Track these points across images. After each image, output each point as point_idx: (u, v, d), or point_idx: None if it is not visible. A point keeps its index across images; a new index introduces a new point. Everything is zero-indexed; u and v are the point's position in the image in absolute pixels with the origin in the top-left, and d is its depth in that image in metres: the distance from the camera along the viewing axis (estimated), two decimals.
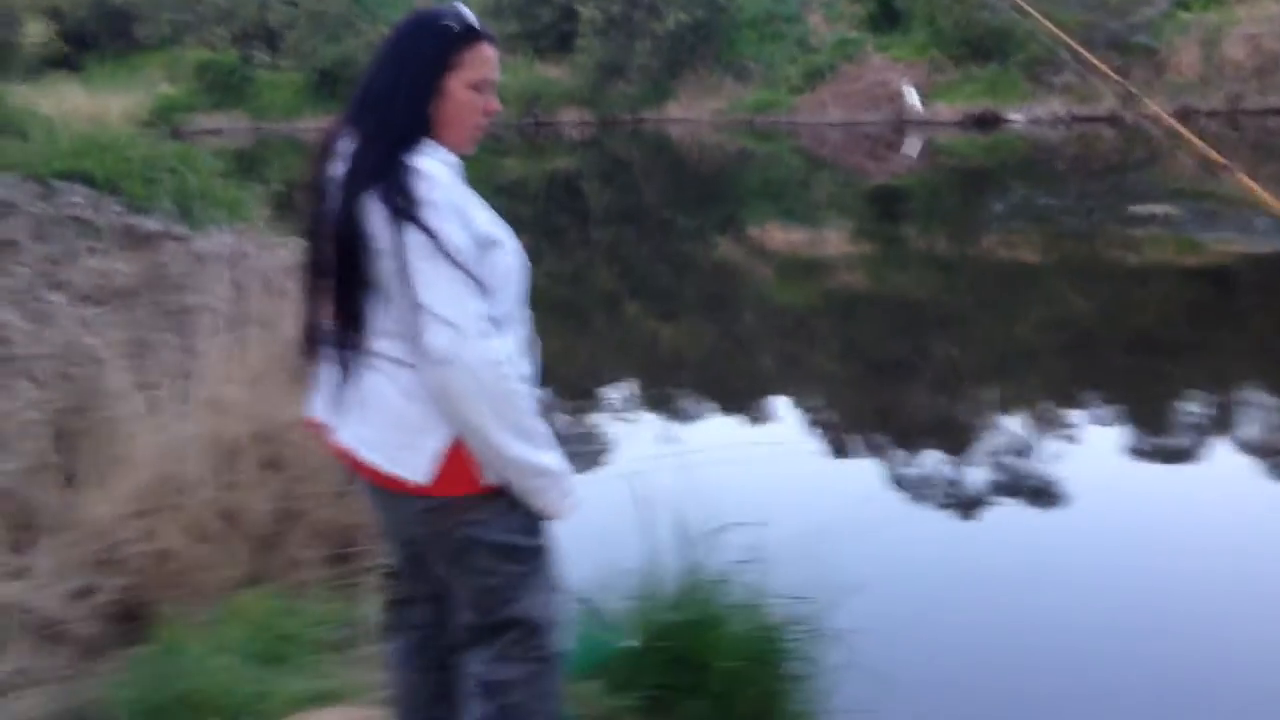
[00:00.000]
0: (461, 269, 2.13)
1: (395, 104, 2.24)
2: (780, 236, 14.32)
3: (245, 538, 3.85)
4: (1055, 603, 4.35)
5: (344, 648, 3.38)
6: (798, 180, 19.82)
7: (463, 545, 2.29)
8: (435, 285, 2.12)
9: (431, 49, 2.25)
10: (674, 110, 28.03)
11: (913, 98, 24.39)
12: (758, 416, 7.26)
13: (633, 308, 11.01)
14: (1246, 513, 5.26)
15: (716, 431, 6.88)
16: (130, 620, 3.46)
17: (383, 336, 2.24)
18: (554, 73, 30.17)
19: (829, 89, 26.00)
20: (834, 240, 13.82)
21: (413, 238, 2.12)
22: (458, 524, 2.27)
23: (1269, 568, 4.61)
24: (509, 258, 2.29)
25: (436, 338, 2.11)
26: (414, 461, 2.22)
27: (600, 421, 7.03)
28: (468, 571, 2.33)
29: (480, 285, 2.15)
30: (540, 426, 2.23)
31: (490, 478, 2.24)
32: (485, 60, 2.30)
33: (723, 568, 3.22)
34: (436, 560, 2.38)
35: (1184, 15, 23.17)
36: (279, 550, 3.89)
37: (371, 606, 3.45)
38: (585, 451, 6.36)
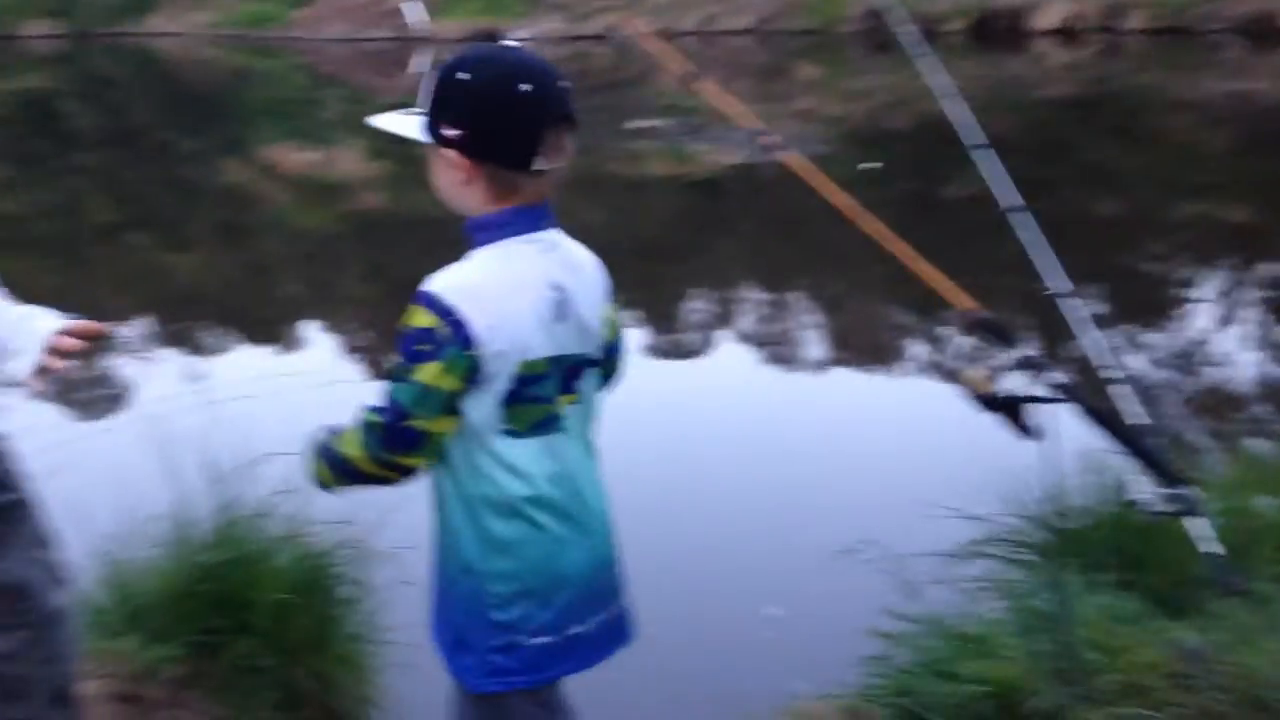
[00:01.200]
0: None
1: None
2: (293, 158, 13.82)
3: None
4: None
5: None
6: (305, 98, 19.13)
7: None
8: None
9: None
10: (157, 23, 25.93)
11: (416, 14, 24.24)
12: (286, 346, 7.04)
13: (137, 239, 10.19)
14: (746, 394, 5.91)
15: (244, 365, 6.60)
16: None
17: None
18: None
19: (326, 3, 25.20)
20: (349, 160, 13.55)
21: None
22: None
23: (756, 440, 5.18)
24: None
25: None
26: None
27: (113, 363, 6.49)
28: None
29: None
30: None
31: None
32: None
33: (260, 502, 3.13)
34: None
35: None
36: None
37: None
38: (99, 397, 5.88)
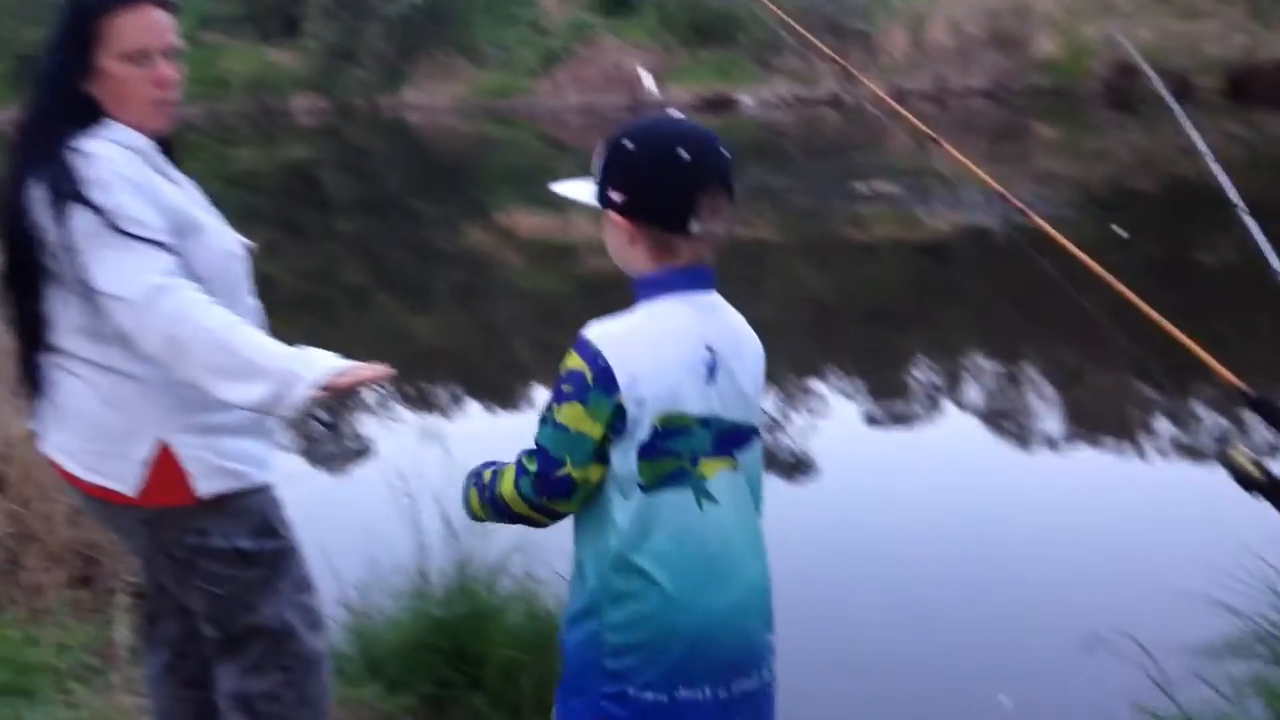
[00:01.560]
0: (133, 236, 1.97)
1: (45, 88, 2.10)
2: (528, 222, 14.34)
3: None
4: (816, 569, 4.56)
5: (94, 675, 3.18)
6: (542, 165, 19.88)
7: (186, 557, 2.17)
8: (104, 262, 1.97)
9: (68, 25, 2.08)
10: (411, 96, 27.54)
11: (648, 81, 24.90)
12: (519, 404, 7.27)
13: (383, 299, 10.78)
14: (977, 468, 5.69)
15: (478, 422, 6.84)
16: None
17: (73, 334, 2.09)
18: (282, 58, 29.05)
19: (565, 72, 26.19)
20: (581, 224, 13.95)
21: (78, 218, 1.98)
22: (177, 535, 2.15)
23: (998, 520, 4.98)
24: (217, 244, 2.16)
25: (118, 318, 1.98)
26: (120, 471, 2.10)
27: (358, 419, 6.86)
28: (196, 584, 2.21)
29: (164, 249, 2.00)
30: (246, 347, 1.99)
31: (210, 487, 2.12)
32: (138, 27, 2.07)
33: (494, 558, 3.22)
34: (163, 574, 2.26)
35: (892, 1, 24.62)
36: (15, 577, 3.61)
37: (121, 628, 3.27)
38: (344, 451, 6.21)
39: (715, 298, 1.87)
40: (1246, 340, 6.73)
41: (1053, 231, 3.03)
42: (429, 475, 3.25)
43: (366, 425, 6.77)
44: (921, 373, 7.46)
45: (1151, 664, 3.11)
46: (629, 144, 1.79)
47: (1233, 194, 3.16)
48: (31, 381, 2.17)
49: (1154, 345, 2.69)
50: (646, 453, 1.76)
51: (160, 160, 2.16)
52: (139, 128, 2.12)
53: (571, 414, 1.75)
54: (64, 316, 2.08)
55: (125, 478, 2.09)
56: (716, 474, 1.81)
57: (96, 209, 1.97)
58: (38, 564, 3.66)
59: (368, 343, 9.28)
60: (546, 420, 1.79)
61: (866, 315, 9.00)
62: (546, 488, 1.80)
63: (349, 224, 15.19)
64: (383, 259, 12.91)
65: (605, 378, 1.73)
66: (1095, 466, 5.75)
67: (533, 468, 1.81)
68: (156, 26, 2.10)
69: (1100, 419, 6.48)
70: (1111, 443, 6.05)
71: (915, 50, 23.49)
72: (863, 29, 23.93)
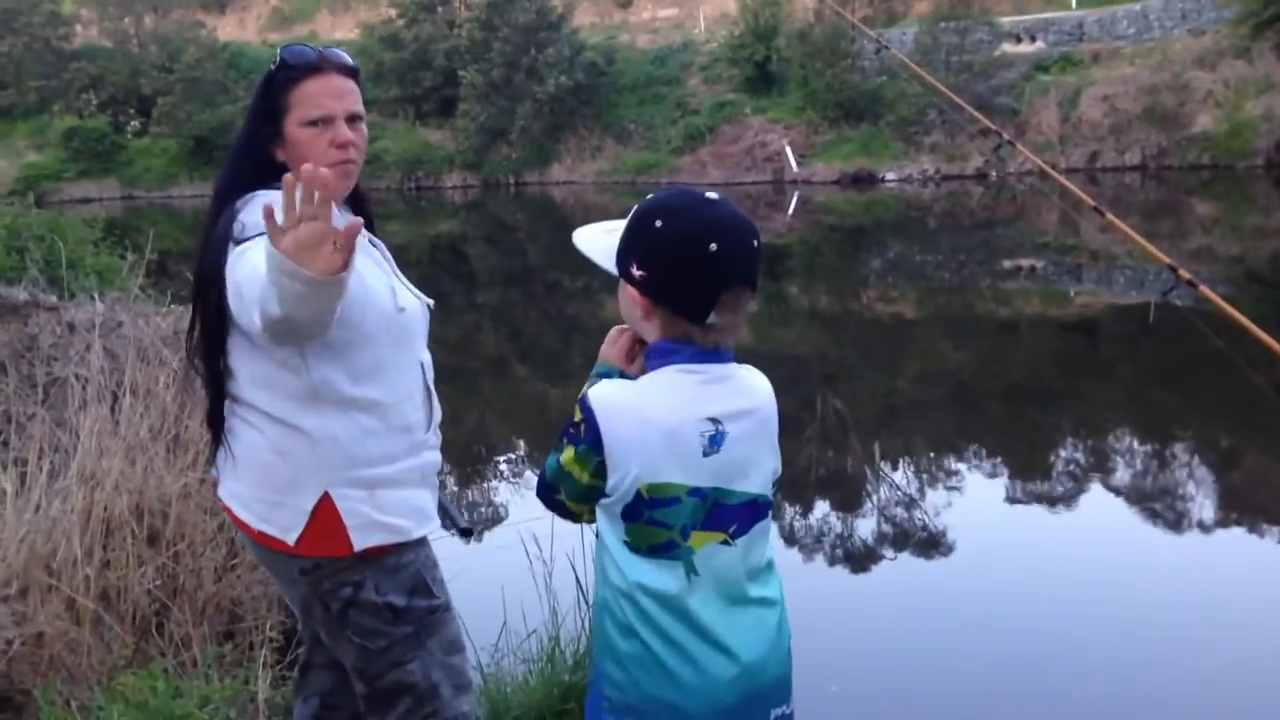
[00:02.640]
0: None
1: (237, 155, 2.21)
2: None
3: (125, 617, 3.69)
4: (955, 649, 4.42)
5: None
6: None
7: (340, 609, 2.21)
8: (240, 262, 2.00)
9: (261, 95, 2.20)
10: (557, 172, 28.27)
11: (791, 157, 25.03)
12: None
13: (522, 370, 10.97)
14: (1122, 555, 5.43)
15: None
16: (4, 710, 3.28)
17: (251, 386, 2.17)
18: (436, 136, 30.19)
19: (709, 150, 26.55)
20: None
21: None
22: (333, 586, 2.19)
23: (1151, 599, 4.75)
24: (380, 300, 2.20)
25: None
26: (284, 520, 2.16)
27: (495, 485, 6.95)
28: (348, 636, 2.24)
29: None
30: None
31: (368, 540, 2.17)
32: (319, 94, 2.17)
33: None
34: (318, 624, 2.30)
35: (1043, 77, 24.30)
36: (163, 629, 3.73)
37: (262, 683, 3.34)
38: (481, 517, 6.28)
39: (728, 367, 1.82)
40: None
41: (1223, 304, 2.91)
42: (563, 540, 3.26)
43: (501, 491, 6.85)
44: (1067, 452, 7.19)
45: None
46: (659, 223, 1.74)
47: None
48: (214, 431, 2.26)
49: None
50: (630, 516, 1.77)
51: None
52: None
53: (568, 455, 1.81)
54: (245, 368, 2.17)
55: (288, 527, 2.16)
56: (706, 545, 1.79)
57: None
58: (185, 617, 3.78)
59: (506, 411, 9.45)
60: (553, 450, 1.84)
61: (1010, 392, 8.76)
62: (546, 503, 1.89)
63: (492, 295, 15.57)
64: (523, 330, 13.16)
65: (594, 438, 1.76)
66: (1249, 554, 5.43)
67: (540, 479, 1.89)
68: (338, 91, 2.19)
69: (1262, 503, 6.13)
70: (1265, 528, 5.71)
71: (1067, 127, 23.08)
72: (1012, 105, 23.65)
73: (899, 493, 6.49)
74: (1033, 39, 25.39)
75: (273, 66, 2.19)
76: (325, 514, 2.15)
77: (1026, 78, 24.42)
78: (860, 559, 5.57)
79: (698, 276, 1.72)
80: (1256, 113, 20.96)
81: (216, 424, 2.25)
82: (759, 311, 13.12)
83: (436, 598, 2.30)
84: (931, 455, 7.19)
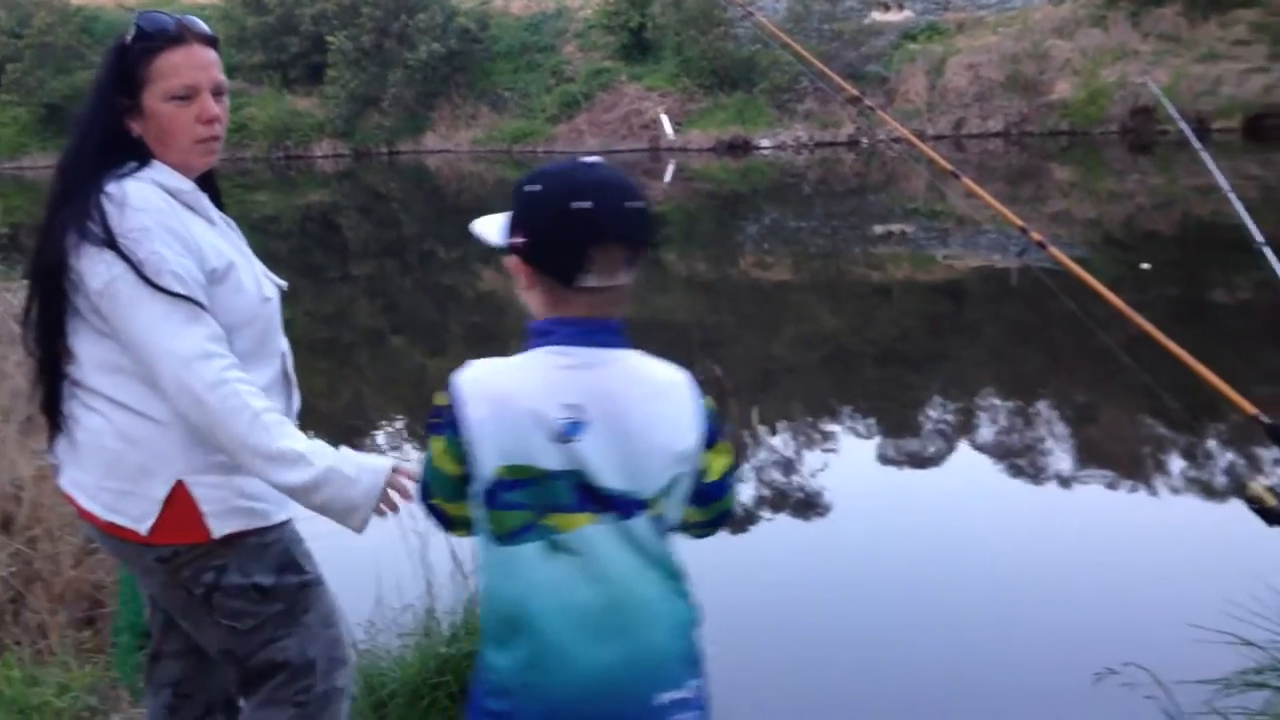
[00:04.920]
0: (171, 294, 1.97)
1: (86, 130, 2.10)
2: None
3: None
4: (831, 607, 4.52)
5: (96, 715, 3.15)
6: None
7: (204, 594, 2.14)
8: (142, 318, 1.97)
9: (114, 66, 2.08)
10: (431, 141, 27.80)
11: (667, 125, 25.07)
12: None
13: (399, 342, 10.81)
14: (993, 505, 5.63)
15: None
16: None
17: (97, 371, 2.08)
18: (304, 104, 29.39)
19: (585, 118, 26.41)
20: None
21: (117, 269, 1.97)
22: (194, 573, 2.12)
23: (1015, 554, 4.93)
24: (250, 290, 2.15)
25: (159, 374, 1.99)
26: (136, 509, 2.08)
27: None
28: (215, 620, 2.17)
29: (201, 307, 2.00)
30: (292, 447, 2.01)
31: (226, 527, 2.10)
32: (184, 66, 2.07)
33: None
34: (178, 612, 2.23)
35: (911, 46, 24.77)
36: (19, 616, 3.59)
37: (123, 669, 3.24)
38: None
39: (606, 354, 1.74)
40: (1267, 374, 6.66)
41: (1074, 266, 3.01)
42: None
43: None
44: (937, 411, 7.41)
45: (1165, 697, 3.05)
46: (535, 186, 1.73)
47: (1255, 231, 3.14)
48: (51, 416, 2.16)
49: (1172, 380, 2.65)
50: (490, 501, 1.72)
51: (203, 201, 2.16)
52: (183, 167, 2.12)
53: (437, 448, 1.76)
54: (90, 353, 2.07)
55: (141, 517, 2.08)
56: (577, 528, 1.71)
57: (135, 261, 1.96)
58: (42, 604, 3.64)
59: (383, 385, 9.31)
60: (425, 450, 1.80)
61: (883, 355, 8.97)
62: (427, 512, 1.84)
63: (365, 266, 15.28)
64: (399, 301, 12.96)
65: (458, 419, 1.71)
66: (1112, 502, 5.68)
67: (417, 495, 1.85)
68: (202, 62, 2.10)
69: (1118, 454, 6.41)
70: (1129, 478, 5.98)
71: (933, 95, 23.58)
72: (881, 73, 24.06)
73: (777, 456, 6.60)
74: (901, 7, 25.84)
75: (128, 37, 2.07)
76: (180, 501, 2.07)
77: (895, 46, 24.86)
78: (736, 523, 5.65)
79: (566, 233, 1.69)
80: (1111, 80, 21.71)
81: (54, 409, 2.15)
82: (638, 279, 13.15)
83: (307, 572, 2.24)
84: (808, 418, 7.32)
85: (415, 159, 26.99)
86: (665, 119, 25.18)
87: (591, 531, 1.71)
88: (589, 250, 1.69)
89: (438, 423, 1.75)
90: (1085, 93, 22.03)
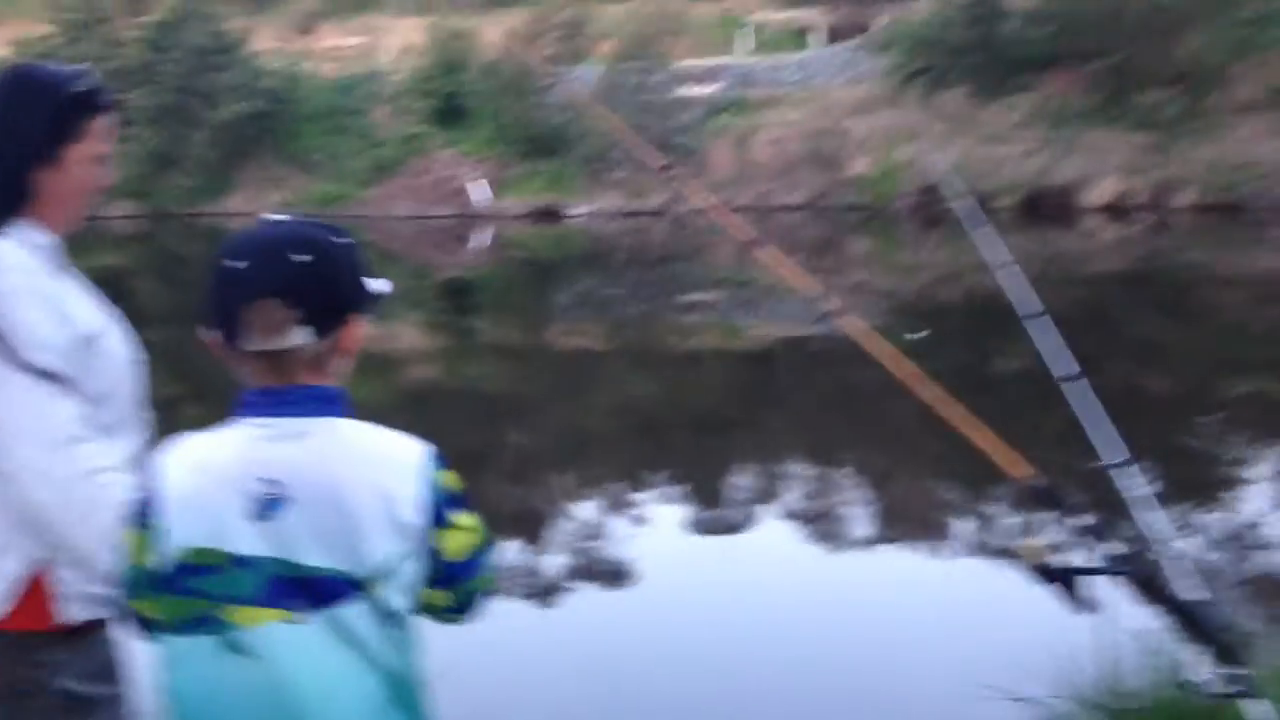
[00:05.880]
0: (39, 371, 1.85)
1: None
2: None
3: None
4: (638, 677, 4.52)
5: None
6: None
7: (27, 689, 1.97)
8: (5, 392, 1.84)
9: (48, 114, 1.97)
10: (235, 203, 27.03)
11: (481, 192, 25.11)
12: None
13: (194, 410, 10.39)
14: (791, 572, 5.78)
15: None
16: None
17: None
18: None
19: (398, 183, 26.22)
20: (406, 334, 13.83)
21: None
22: (28, 664, 1.95)
23: (814, 618, 5.07)
24: (118, 354, 2.03)
25: (13, 457, 1.85)
26: None
27: None
28: (26, 717, 2.00)
29: (68, 385, 1.88)
30: None
31: (72, 614, 1.95)
32: (108, 131, 2.04)
33: None
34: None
35: (719, 120, 25.62)
36: None
37: None
38: None
39: (312, 424, 1.59)
40: (1038, 438, 7.07)
41: (860, 334, 3.16)
42: None
43: None
44: (740, 478, 7.59)
45: None
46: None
47: (1025, 303, 3.38)
48: None
49: (964, 445, 2.81)
50: (165, 586, 1.57)
51: (65, 259, 2.05)
52: (55, 229, 2.01)
53: (131, 540, 1.62)
54: None
55: None
56: (262, 625, 1.53)
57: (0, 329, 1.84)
58: None
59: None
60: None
61: (689, 423, 9.14)
62: (121, 617, 1.70)
63: (159, 333, 14.66)
64: (195, 370, 12.48)
65: (155, 500, 1.59)
66: (903, 566, 5.92)
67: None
68: (113, 131, 2.06)
69: (910, 520, 6.70)
70: (919, 542, 6.25)
71: (739, 168, 24.40)
72: (689, 146, 24.76)
73: (584, 526, 6.61)
74: (709, 83, 26.72)
75: (80, 89, 1.98)
76: (35, 582, 1.92)
77: (704, 120, 25.65)
78: (543, 593, 5.62)
79: (217, 293, 1.58)
80: (903, 158, 22.95)
81: None
82: (443, 347, 13.06)
83: (116, 686, 2.08)
84: (618, 486, 7.37)
85: (216, 222, 26.19)
86: (472, 186, 25.22)
87: (278, 631, 1.53)
88: (237, 310, 1.55)
89: (134, 512, 1.61)
90: (880, 170, 23.21)
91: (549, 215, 24.33)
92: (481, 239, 22.81)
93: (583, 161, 25.11)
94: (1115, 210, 20.66)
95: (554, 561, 6.04)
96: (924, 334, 10.29)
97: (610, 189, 24.71)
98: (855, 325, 3.32)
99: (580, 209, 24.56)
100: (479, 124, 27.09)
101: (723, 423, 9.15)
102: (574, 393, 10.43)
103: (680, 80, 26.09)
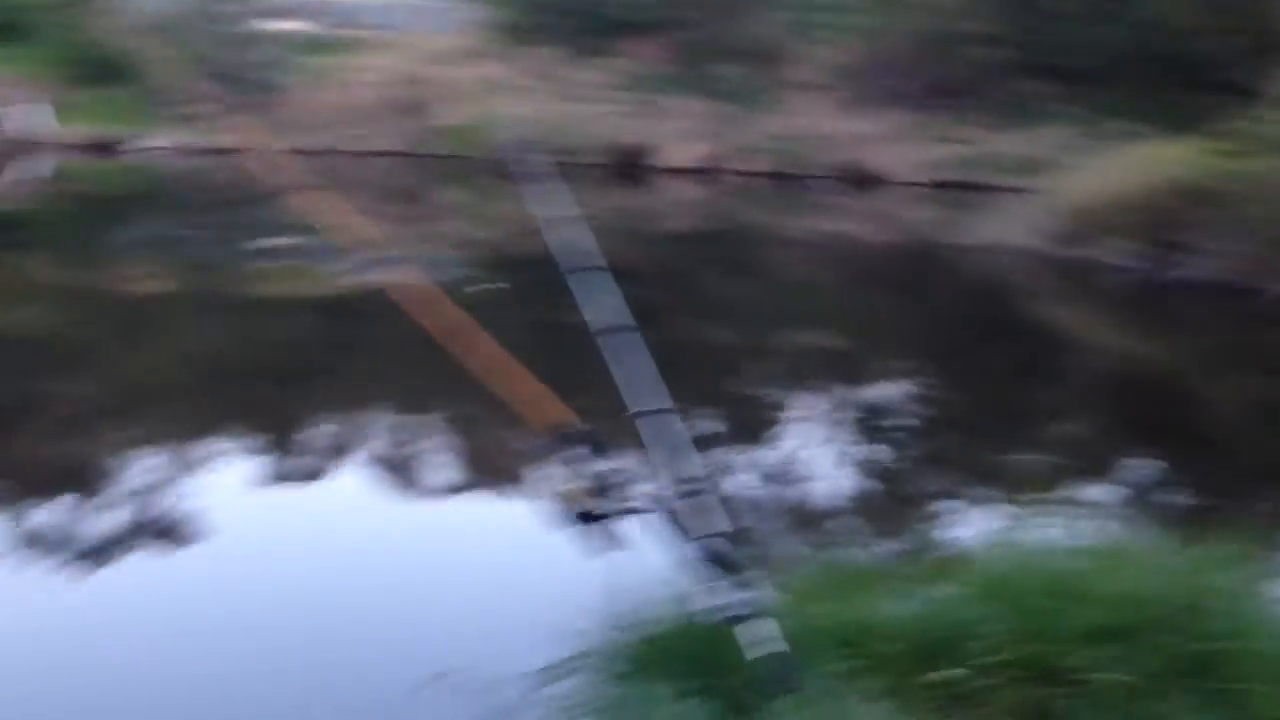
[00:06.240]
0: None
1: None
2: None
3: None
4: (206, 639, 4.35)
5: None
6: None
7: None
8: None
9: None
10: None
11: (24, 117, 22.60)
12: None
13: None
14: (347, 524, 5.76)
15: None
16: None
17: None
18: None
19: None
20: None
21: None
22: None
23: (366, 566, 5.10)
24: None
25: None
26: None
27: None
28: None
29: None
30: None
31: None
32: None
33: None
34: None
35: (298, 60, 24.61)
36: None
37: None
38: None
39: None
40: (587, 387, 7.46)
41: (404, 285, 3.19)
42: None
43: None
44: (322, 428, 7.43)
45: (491, 695, 3.31)
46: None
47: (579, 258, 3.54)
48: None
49: (508, 394, 2.89)
50: None
51: None
52: None
53: None
54: None
55: None
56: None
57: None
58: None
59: None
60: None
61: (265, 372, 8.80)
62: None
63: None
64: None
65: None
66: (448, 513, 6.08)
67: None
68: None
69: (457, 469, 6.83)
70: (464, 489, 6.43)
71: (322, 110, 23.56)
72: (266, 84, 23.56)
73: (149, 479, 6.23)
74: (294, 20, 25.57)
75: None
76: None
77: (290, 58, 24.51)
78: (100, 554, 5.26)
79: None
80: (491, 111, 23.13)
81: None
82: None
83: None
84: (187, 440, 6.95)
85: None
86: (26, 109, 22.70)
87: None
88: None
89: None
90: (471, 121, 23.25)
91: (105, 147, 22.31)
92: (27, 169, 20.59)
93: (148, 93, 23.21)
94: (692, 173, 22.01)
95: (112, 520, 5.66)
96: (495, 286, 10.51)
97: (179, 124, 23.03)
98: (400, 275, 3.36)
99: (145, 142, 22.73)
100: (38, 44, 24.35)
101: (300, 371, 8.90)
102: (137, 340, 9.72)
103: (260, 14, 24.79)
